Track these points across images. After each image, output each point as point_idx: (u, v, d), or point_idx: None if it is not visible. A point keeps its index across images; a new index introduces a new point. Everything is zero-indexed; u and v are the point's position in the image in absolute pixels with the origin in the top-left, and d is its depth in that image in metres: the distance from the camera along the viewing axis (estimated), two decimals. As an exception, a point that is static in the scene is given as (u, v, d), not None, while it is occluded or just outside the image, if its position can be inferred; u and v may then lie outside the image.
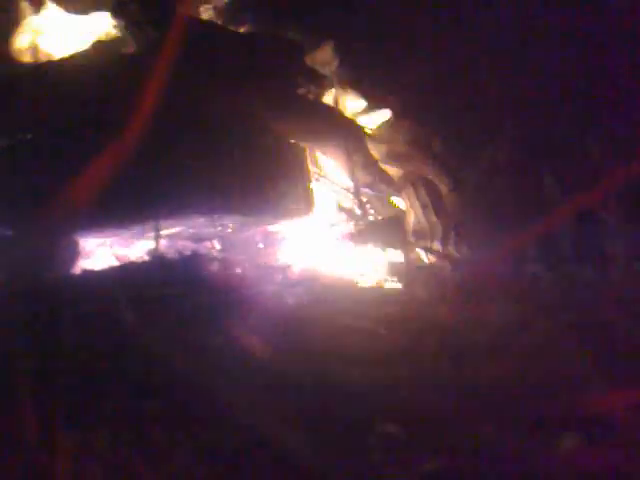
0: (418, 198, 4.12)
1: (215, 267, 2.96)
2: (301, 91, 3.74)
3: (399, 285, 3.40)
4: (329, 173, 4.05)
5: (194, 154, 3.09)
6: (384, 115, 4.16)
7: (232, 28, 3.97)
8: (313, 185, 3.67)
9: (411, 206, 4.15)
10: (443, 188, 3.98)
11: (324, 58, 4.14)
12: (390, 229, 3.67)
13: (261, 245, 3.84)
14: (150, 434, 1.10)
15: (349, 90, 4.13)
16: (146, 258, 3.36)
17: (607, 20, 3.25)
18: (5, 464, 0.99)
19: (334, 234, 4.03)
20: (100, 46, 3.44)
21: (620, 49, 3.24)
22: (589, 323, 1.76)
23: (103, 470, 0.99)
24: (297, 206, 3.51)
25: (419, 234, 4.08)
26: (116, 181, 2.59)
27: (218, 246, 3.75)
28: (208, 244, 3.72)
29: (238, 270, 3.21)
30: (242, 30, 4.03)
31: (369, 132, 4.05)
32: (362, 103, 4.14)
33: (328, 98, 4.02)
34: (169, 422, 1.13)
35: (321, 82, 3.85)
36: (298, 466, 0.94)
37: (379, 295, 2.98)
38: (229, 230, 3.66)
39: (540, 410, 1.15)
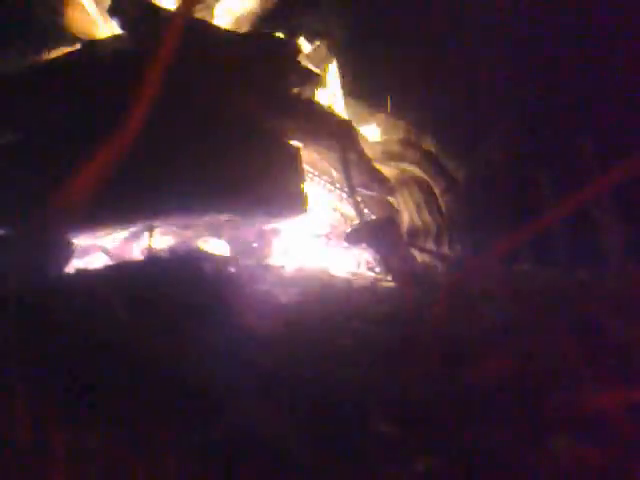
0: (412, 198, 4.13)
1: (209, 266, 2.96)
2: (295, 90, 3.74)
3: (393, 284, 3.41)
4: (324, 173, 4.05)
5: (188, 154, 3.09)
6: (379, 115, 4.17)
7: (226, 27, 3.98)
8: (307, 185, 3.67)
9: (405, 206, 4.16)
10: (437, 188, 3.99)
11: (319, 57, 4.14)
12: (384, 229, 3.67)
13: (255, 244, 3.84)
14: (145, 434, 1.10)
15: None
16: (140, 257, 3.36)
17: (603, 19, 3.26)
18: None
19: (328, 234, 4.04)
20: (96, 44, 3.44)
21: (615, 47, 3.25)
22: (583, 323, 1.77)
23: (96, 469, 0.99)
24: (291, 206, 3.51)
25: (413, 234, 4.09)
26: (111, 181, 2.58)
27: (212, 245, 3.75)
28: (202, 243, 3.71)
29: (232, 269, 3.21)
30: (236, 29, 4.03)
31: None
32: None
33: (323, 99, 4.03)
34: (164, 421, 1.13)
35: (315, 81, 3.85)
36: (293, 466, 0.94)
37: (373, 294, 2.98)
38: (223, 229, 3.66)
39: (535, 410, 1.15)
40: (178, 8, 1.87)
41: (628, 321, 1.67)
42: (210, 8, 4.07)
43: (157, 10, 3.49)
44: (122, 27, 3.44)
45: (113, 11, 3.45)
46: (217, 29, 3.74)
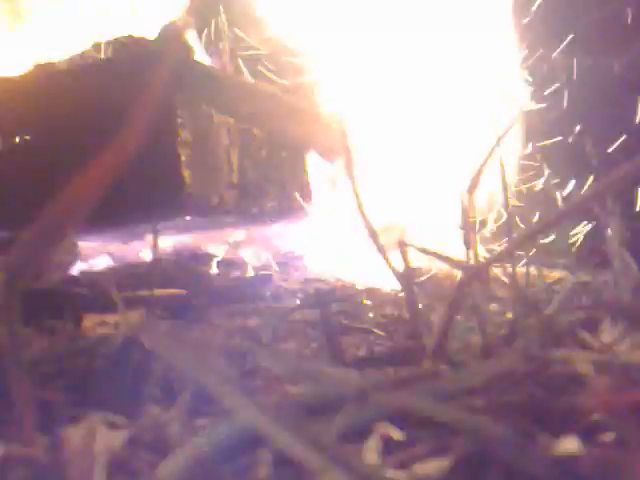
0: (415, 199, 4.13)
1: (213, 268, 2.96)
2: (299, 94, 3.74)
3: (398, 286, 3.41)
4: (327, 175, 4.05)
5: (191, 155, 3.09)
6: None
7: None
8: (312, 187, 3.67)
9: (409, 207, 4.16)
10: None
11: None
12: (388, 231, 3.67)
13: (258, 246, 3.84)
14: (150, 435, 1.10)
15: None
16: (145, 259, 3.36)
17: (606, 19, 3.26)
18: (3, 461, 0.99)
19: (333, 235, 4.04)
20: (99, 47, 3.45)
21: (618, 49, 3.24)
22: (587, 324, 1.76)
23: (100, 469, 0.99)
24: (294, 209, 3.51)
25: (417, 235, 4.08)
26: (114, 182, 2.58)
27: (215, 247, 3.75)
28: (206, 245, 3.71)
29: (237, 271, 3.21)
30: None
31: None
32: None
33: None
34: (167, 422, 1.13)
35: (315, 82, 3.85)
36: (297, 467, 0.94)
37: (377, 296, 2.98)
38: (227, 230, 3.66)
39: (539, 411, 1.15)
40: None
41: (631, 322, 1.67)
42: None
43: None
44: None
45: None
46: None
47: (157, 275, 2.63)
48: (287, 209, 3.54)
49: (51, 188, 0.98)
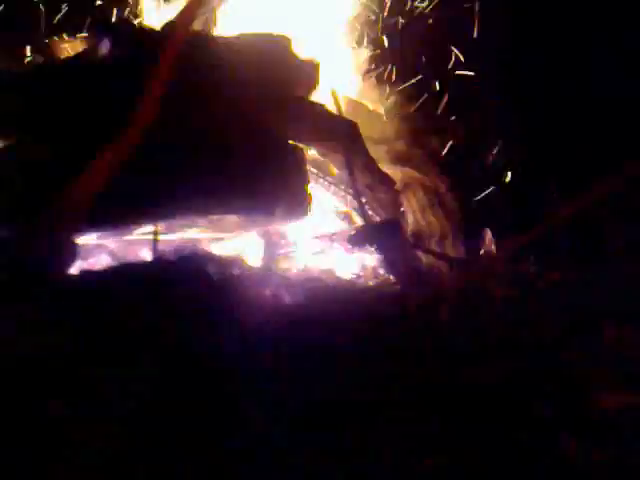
0: (417, 199, 4.12)
1: (213, 267, 2.95)
2: (299, 91, 3.73)
3: (398, 286, 3.41)
4: (328, 175, 4.04)
5: (192, 156, 3.09)
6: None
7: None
8: (312, 186, 3.66)
9: (410, 207, 4.16)
10: (442, 189, 3.98)
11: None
12: (389, 230, 3.66)
13: (260, 246, 3.84)
14: (152, 433, 1.10)
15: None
16: (145, 259, 3.36)
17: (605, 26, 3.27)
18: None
19: (332, 235, 4.03)
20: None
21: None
22: (587, 324, 1.76)
23: (105, 465, 1.00)
24: (295, 207, 3.51)
25: (418, 235, 4.08)
26: (115, 182, 2.59)
27: (216, 247, 3.75)
28: (206, 245, 3.72)
29: (236, 270, 3.21)
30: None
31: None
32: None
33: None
34: (170, 421, 1.14)
35: (317, 79, 3.82)
36: (297, 465, 0.94)
37: (377, 295, 2.98)
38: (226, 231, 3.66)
39: (539, 410, 1.15)
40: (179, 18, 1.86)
41: (631, 321, 1.67)
42: (212, 11, 4.06)
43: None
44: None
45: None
46: (217, 39, 3.71)
47: (159, 273, 2.62)
48: (287, 208, 3.52)
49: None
